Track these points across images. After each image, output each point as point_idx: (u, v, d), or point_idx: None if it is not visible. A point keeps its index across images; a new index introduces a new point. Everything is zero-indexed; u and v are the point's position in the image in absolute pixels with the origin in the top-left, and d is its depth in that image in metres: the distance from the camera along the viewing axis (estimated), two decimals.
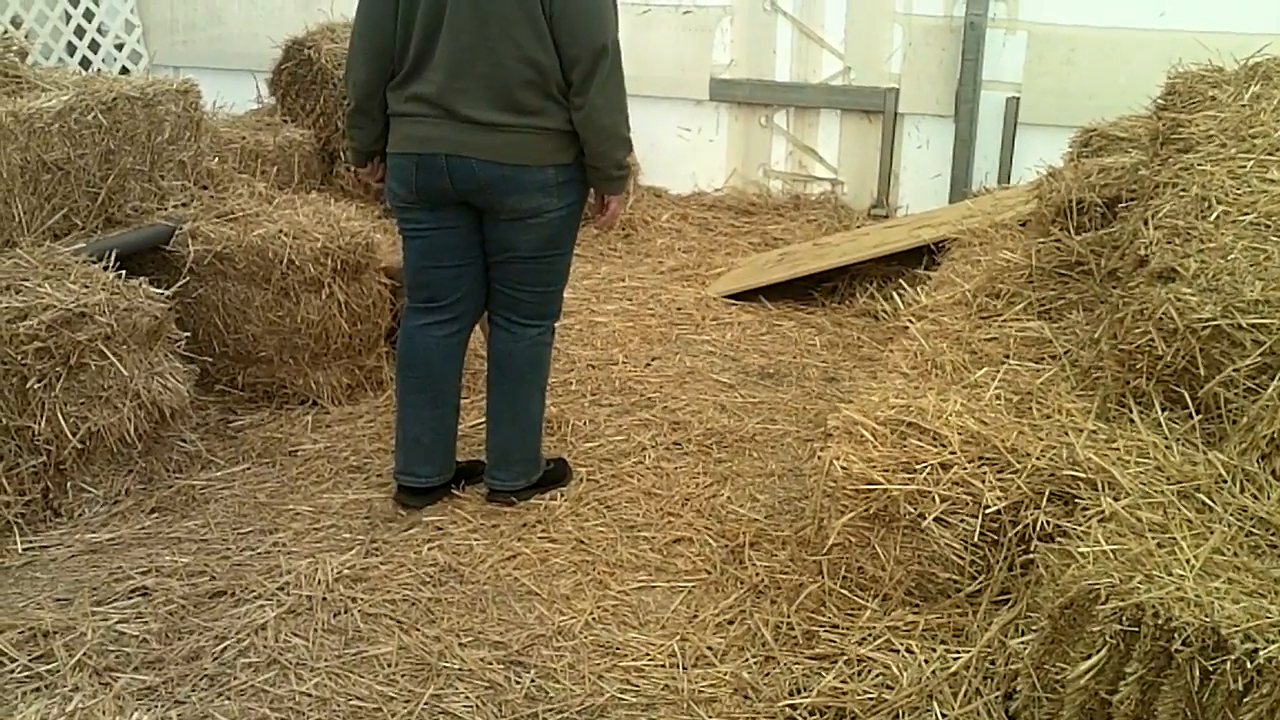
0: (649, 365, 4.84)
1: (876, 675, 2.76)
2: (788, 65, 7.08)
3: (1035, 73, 6.45)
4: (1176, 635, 2.17)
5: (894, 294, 4.62)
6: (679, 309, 5.50)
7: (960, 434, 3.00)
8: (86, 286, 3.65)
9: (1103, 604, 2.27)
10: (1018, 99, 6.50)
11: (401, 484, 3.70)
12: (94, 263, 3.83)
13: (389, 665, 2.94)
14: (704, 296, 5.66)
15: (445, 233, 3.45)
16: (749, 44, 7.12)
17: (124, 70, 8.09)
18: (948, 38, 6.59)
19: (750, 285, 5.67)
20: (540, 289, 3.53)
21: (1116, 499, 2.61)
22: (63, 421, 3.50)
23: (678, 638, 3.05)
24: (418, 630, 3.08)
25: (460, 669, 2.92)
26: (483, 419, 3.76)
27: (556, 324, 3.70)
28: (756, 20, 7.05)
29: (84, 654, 2.93)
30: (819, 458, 3.12)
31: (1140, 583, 2.27)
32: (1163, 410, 2.94)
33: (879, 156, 6.93)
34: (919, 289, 4.39)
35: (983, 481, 2.88)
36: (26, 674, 2.87)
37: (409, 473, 3.67)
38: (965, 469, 2.91)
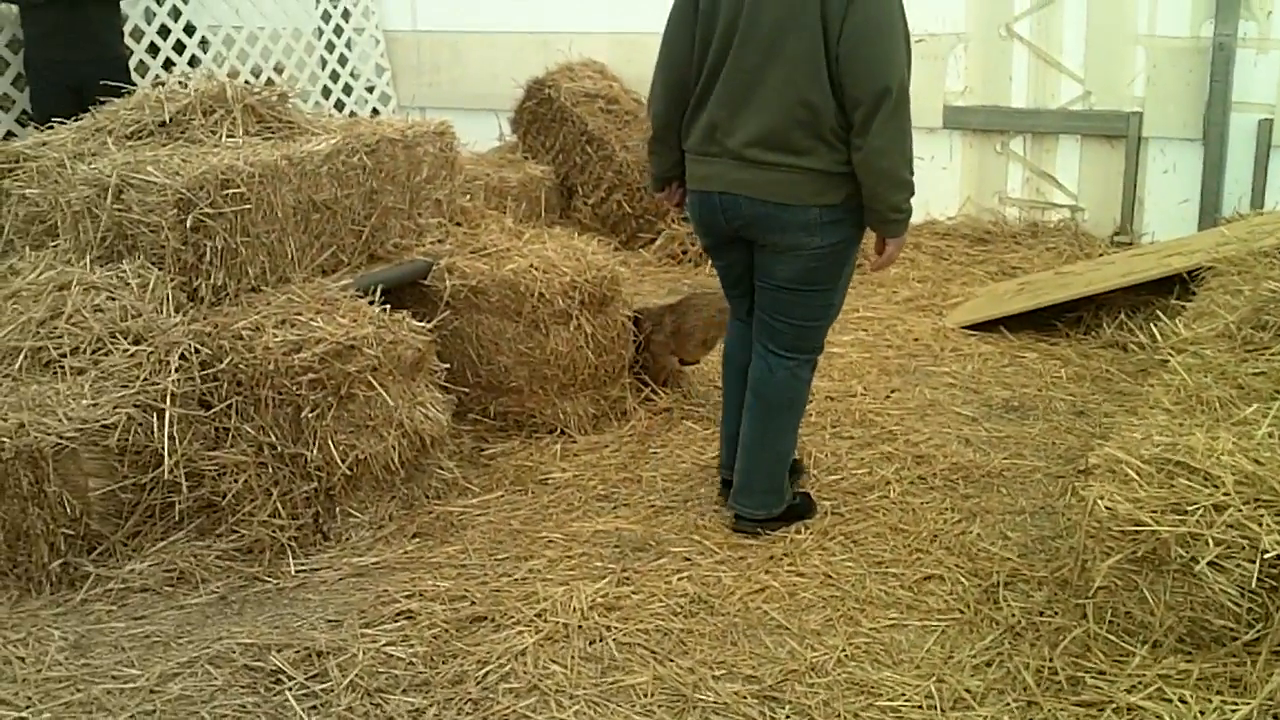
0: (889, 397, 4.79)
1: None
2: (1024, 90, 6.94)
3: None
4: None
5: (1147, 324, 4.45)
6: (916, 340, 5.43)
7: (1233, 474, 2.88)
8: (355, 320, 3.84)
9: None
10: (1271, 121, 6.21)
11: (724, 478, 3.87)
12: (360, 297, 4.03)
13: (645, 695, 2.97)
14: (941, 327, 5.58)
15: (732, 265, 3.64)
16: (984, 70, 7.00)
17: (374, 112, 8.50)
18: (1194, 59, 6.35)
19: (990, 316, 5.55)
20: (795, 321, 3.54)
21: None
22: (333, 449, 3.68)
23: (934, 678, 2.99)
24: (671, 661, 3.11)
25: (715, 702, 2.94)
26: None
27: (814, 360, 3.69)
28: (992, 46, 6.93)
29: (356, 675, 3.06)
30: (1079, 496, 3.03)
31: None
32: None
33: (1122, 182, 6.71)
34: (1177, 320, 4.21)
35: (1259, 524, 2.75)
36: (304, 692, 3.01)
37: (729, 466, 3.82)
38: (1240, 510, 2.78)
